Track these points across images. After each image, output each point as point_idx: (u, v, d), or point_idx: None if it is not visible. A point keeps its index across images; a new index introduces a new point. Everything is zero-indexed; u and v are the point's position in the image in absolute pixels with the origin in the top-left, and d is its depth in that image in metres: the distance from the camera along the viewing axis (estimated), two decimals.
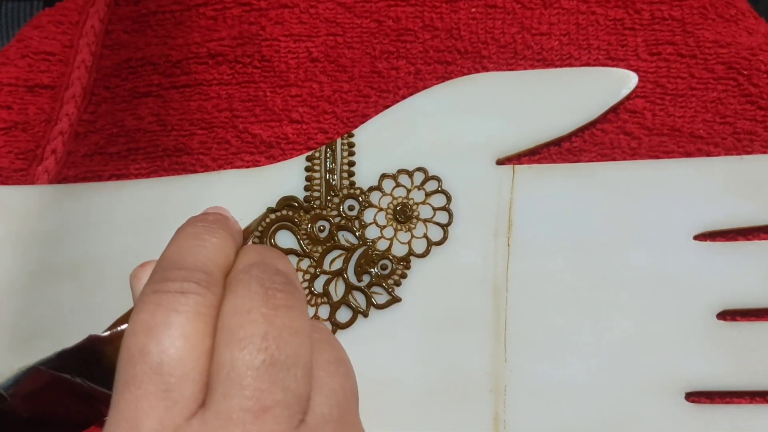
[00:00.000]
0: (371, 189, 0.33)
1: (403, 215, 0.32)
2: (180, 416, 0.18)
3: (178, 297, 0.19)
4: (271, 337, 0.19)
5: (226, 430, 0.18)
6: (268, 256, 0.22)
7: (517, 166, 0.32)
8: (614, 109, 0.33)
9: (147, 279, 0.21)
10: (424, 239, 0.32)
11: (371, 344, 0.31)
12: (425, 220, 0.32)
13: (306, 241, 0.32)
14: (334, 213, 0.33)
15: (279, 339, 0.19)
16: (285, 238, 0.33)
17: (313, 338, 0.21)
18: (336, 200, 0.33)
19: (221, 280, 0.21)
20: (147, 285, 0.20)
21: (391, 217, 0.32)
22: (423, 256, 0.32)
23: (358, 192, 0.33)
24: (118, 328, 0.21)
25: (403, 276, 0.32)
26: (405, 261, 0.32)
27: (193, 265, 0.21)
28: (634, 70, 0.33)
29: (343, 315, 0.31)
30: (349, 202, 0.33)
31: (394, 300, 0.31)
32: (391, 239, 0.32)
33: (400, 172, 0.33)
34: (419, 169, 0.33)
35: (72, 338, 0.32)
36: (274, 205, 0.33)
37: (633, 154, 0.33)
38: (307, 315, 0.21)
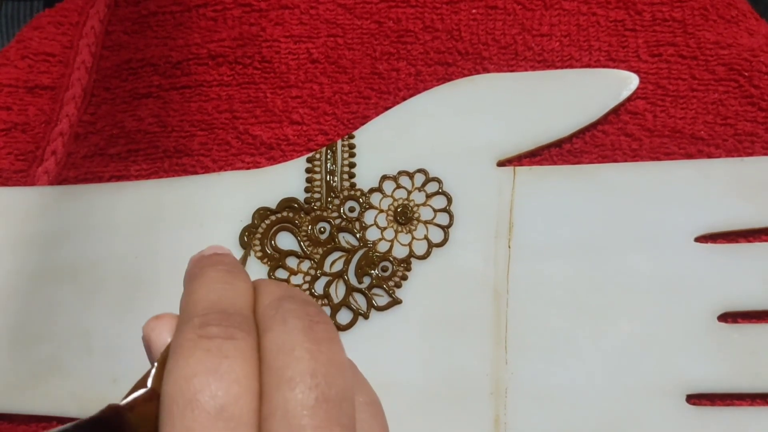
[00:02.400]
0: (372, 190, 0.33)
1: (403, 217, 0.32)
2: None
3: (225, 342, 0.19)
4: (320, 373, 0.19)
5: None
6: (289, 289, 0.22)
7: (518, 168, 0.32)
8: (615, 111, 0.33)
9: (166, 329, 0.21)
10: (425, 241, 0.32)
11: (372, 346, 0.31)
12: (426, 222, 0.32)
13: (306, 243, 0.32)
14: (335, 214, 0.33)
15: (327, 375, 0.19)
16: (285, 240, 0.33)
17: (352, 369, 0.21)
18: (336, 202, 0.33)
19: (254, 322, 0.21)
20: (186, 329, 0.20)
21: (391, 218, 0.32)
22: (424, 257, 0.32)
23: (358, 193, 0.33)
24: (137, 394, 0.20)
25: (404, 278, 0.31)
26: (406, 263, 0.32)
27: (232, 310, 0.21)
28: (635, 72, 0.33)
29: (343, 317, 0.31)
30: (350, 203, 0.33)
31: (395, 302, 0.31)
32: (391, 241, 0.32)
33: (400, 173, 0.33)
34: (420, 170, 0.33)
35: (72, 340, 0.32)
36: (273, 206, 0.33)
37: (634, 155, 0.33)
38: (343, 347, 0.21)
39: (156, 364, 0.20)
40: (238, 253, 0.32)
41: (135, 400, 0.20)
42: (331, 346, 0.20)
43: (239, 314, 0.21)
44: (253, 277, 0.23)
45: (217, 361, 0.19)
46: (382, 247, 0.32)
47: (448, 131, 0.33)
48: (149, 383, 0.20)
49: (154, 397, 0.19)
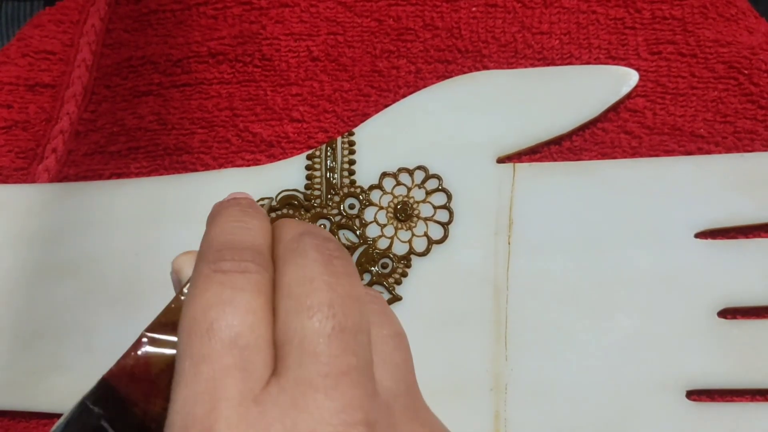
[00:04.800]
0: (372, 187, 0.33)
1: (403, 214, 0.32)
2: (257, 386, 0.18)
3: (239, 276, 0.20)
4: (337, 304, 0.19)
5: (308, 396, 0.18)
6: (311, 225, 0.23)
7: (518, 165, 0.32)
8: (615, 108, 0.33)
9: (191, 266, 0.22)
10: (425, 238, 0.32)
11: None
12: (426, 219, 0.32)
13: None
14: (335, 211, 0.33)
15: (344, 306, 0.19)
16: None
17: (372, 309, 0.21)
18: (336, 199, 0.33)
19: (270, 258, 0.22)
20: (201, 265, 0.21)
21: (391, 215, 0.32)
22: (424, 254, 0.32)
23: (358, 190, 0.33)
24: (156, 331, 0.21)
25: (404, 275, 0.32)
26: (406, 259, 0.32)
27: (244, 245, 0.21)
28: (634, 69, 0.33)
29: None
30: (350, 200, 0.33)
31: (395, 299, 0.31)
32: (391, 238, 0.32)
33: (400, 170, 0.33)
34: (420, 167, 0.33)
35: (72, 337, 0.32)
36: (275, 203, 0.33)
37: (633, 153, 0.33)
38: (361, 283, 0.21)
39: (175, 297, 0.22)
40: None
41: (154, 329, 0.21)
42: (350, 280, 0.20)
43: (252, 249, 0.21)
44: None
45: (231, 293, 0.19)
46: (382, 244, 0.32)
47: (447, 128, 0.33)
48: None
49: (172, 330, 0.20)
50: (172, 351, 0.20)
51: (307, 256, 0.21)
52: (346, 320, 0.19)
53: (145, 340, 0.21)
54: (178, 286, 0.23)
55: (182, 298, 0.21)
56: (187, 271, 0.23)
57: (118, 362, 0.20)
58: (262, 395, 0.18)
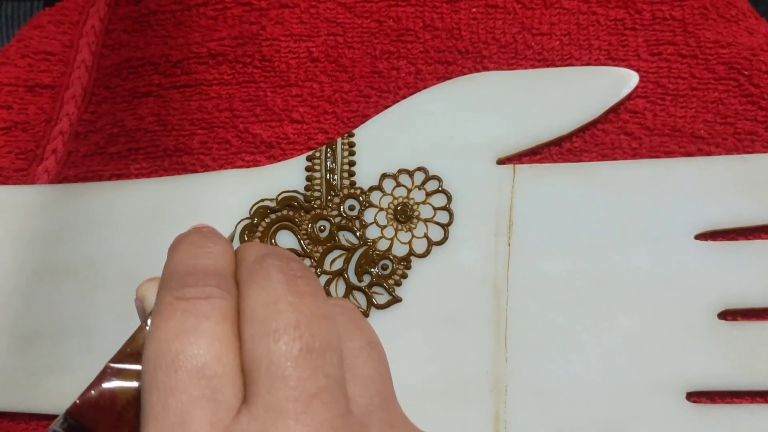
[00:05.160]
0: (372, 189, 0.33)
1: (403, 215, 0.32)
2: (227, 416, 0.18)
3: (203, 303, 0.20)
4: (303, 325, 0.19)
5: (279, 422, 0.18)
6: (273, 248, 0.23)
7: (518, 166, 0.32)
8: (615, 109, 0.33)
9: (155, 293, 0.21)
10: (425, 239, 0.32)
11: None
12: (426, 220, 0.32)
13: (306, 241, 0.32)
14: (335, 213, 0.33)
15: (310, 326, 0.19)
16: (285, 238, 0.33)
17: (339, 322, 0.21)
18: (336, 200, 0.33)
19: (234, 282, 0.21)
20: (163, 293, 0.20)
21: (391, 216, 0.32)
22: (424, 256, 0.32)
23: (358, 192, 0.33)
24: (92, 392, 0.20)
25: (404, 276, 0.31)
26: (405, 261, 0.32)
27: (207, 270, 0.21)
28: (634, 70, 0.33)
29: None
30: (350, 201, 0.33)
31: (395, 300, 0.31)
32: (391, 239, 0.32)
33: (400, 171, 0.33)
34: (420, 168, 0.33)
35: (72, 338, 0.32)
36: (273, 205, 0.33)
37: (634, 154, 0.33)
38: (327, 299, 0.21)
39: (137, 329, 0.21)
40: None
41: (119, 360, 0.20)
42: (314, 299, 0.20)
43: (215, 274, 0.21)
44: None
45: (196, 320, 0.19)
46: (382, 245, 0.32)
47: (448, 129, 0.33)
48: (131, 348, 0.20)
49: (138, 361, 0.20)
50: (138, 382, 0.20)
51: (270, 277, 0.20)
52: (313, 340, 0.19)
53: (110, 371, 0.20)
54: (143, 314, 0.23)
55: (147, 328, 0.21)
56: (151, 298, 0.22)
57: (83, 395, 0.20)
58: (233, 425, 0.18)
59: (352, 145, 0.33)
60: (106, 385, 0.20)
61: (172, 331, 0.19)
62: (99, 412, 0.20)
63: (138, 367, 0.20)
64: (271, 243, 0.33)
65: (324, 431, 0.18)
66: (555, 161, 0.33)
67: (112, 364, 0.20)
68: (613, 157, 0.33)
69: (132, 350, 0.20)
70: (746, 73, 0.33)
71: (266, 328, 0.19)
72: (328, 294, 0.32)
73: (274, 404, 0.18)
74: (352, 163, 0.33)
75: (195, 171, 0.35)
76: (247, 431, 0.18)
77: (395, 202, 0.32)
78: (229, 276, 0.21)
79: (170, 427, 0.18)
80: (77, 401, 0.20)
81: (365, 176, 0.33)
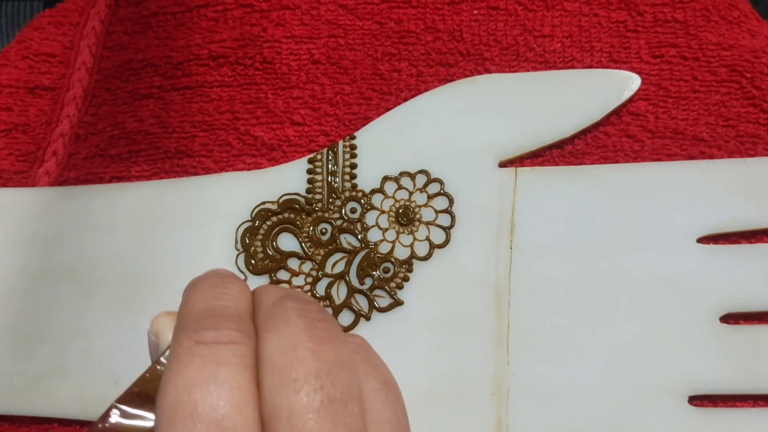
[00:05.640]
0: (373, 191, 0.33)
1: (405, 218, 0.32)
2: None
3: (223, 348, 0.19)
4: (324, 373, 0.19)
5: None
6: (291, 290, 0.22)
7: (520, 169, 0.32)
8: (617, 112, 0.33)
9: (171, 329, 0.21)
10: (427, 242, 0.32)
11: (373, 347, 0.31)
12: (427, 223, 0.32)
13: (308, 244, 0.32)
14: (336, 215, 0.33)
15: (331, 375, 0.19)
16: (287, 241, 0.33)
17: (357, 361, 0.21)
18: (338, 203, 0.33)
19: (252, 325, 0.21)
20: (181, 335, 0.20)
21: (393, 219, 0.32)
22: (425, 258, 0.32)
23: (360, 194, 0.33)
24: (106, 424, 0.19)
25: (406, 279, 0.31)
26: (407, 264, 0.32)
27: (226, 313, 0.20)
28: (636, 73, 0.33)
29: (345, 318, 0.31)
30: (351, 204, 0.33)
31: (397, 303, 0.31)
32: (393, 242, 0.32)
33: (402, 174, 0.33)
34: (421, 171, 0.33)
35: (72, 341, 0.32)
36: (275, 207, 0.33)
37: (635, 156, 0.33)
38: (345, 341, 0.21)
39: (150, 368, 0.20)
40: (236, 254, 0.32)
41: (127, 401, 0.19)
42: (334, 345, 0.20)
43: (235, 317, 0.20)
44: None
45: (216, 368, 0.18)
46: (384, 248, 0.32)
47: (449, 132, 0.33)
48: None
49: (147, 402, 0.19)
50: (145, 425, 0.19)
51: (289, 322, 0.20)
52: (335, 391, 0.18)
53: (116, 412, 0.19)
54: (155, 349, 0.22)
55: (159, 368, 0.20)
56: (166, 335, 0.21)
57: None
58: None
59: (353, 147, 0.33)
60: (110, 425, 0.19)
61: (191, 379, 0.18)
62: None
63: (145, 413, 0.19)
64: (273, 246, 0.33)
65: None
66: (557, 164, 0.33)
67: (118, 405, 0.19)
68: (614, 160, 0.33)
69: (140, 390, 0.20)
70: (748, 75, 0.33)
71: (286, 378, 0.18)
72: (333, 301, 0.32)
73: None
74: (353, 166, 0.33)
75: (196, 173, 0.35)
76: None
77: (397, 205, 0.32)
78: (248, 318, 0.21)
79: None
80: None
81: (367, 179, 0.33)
